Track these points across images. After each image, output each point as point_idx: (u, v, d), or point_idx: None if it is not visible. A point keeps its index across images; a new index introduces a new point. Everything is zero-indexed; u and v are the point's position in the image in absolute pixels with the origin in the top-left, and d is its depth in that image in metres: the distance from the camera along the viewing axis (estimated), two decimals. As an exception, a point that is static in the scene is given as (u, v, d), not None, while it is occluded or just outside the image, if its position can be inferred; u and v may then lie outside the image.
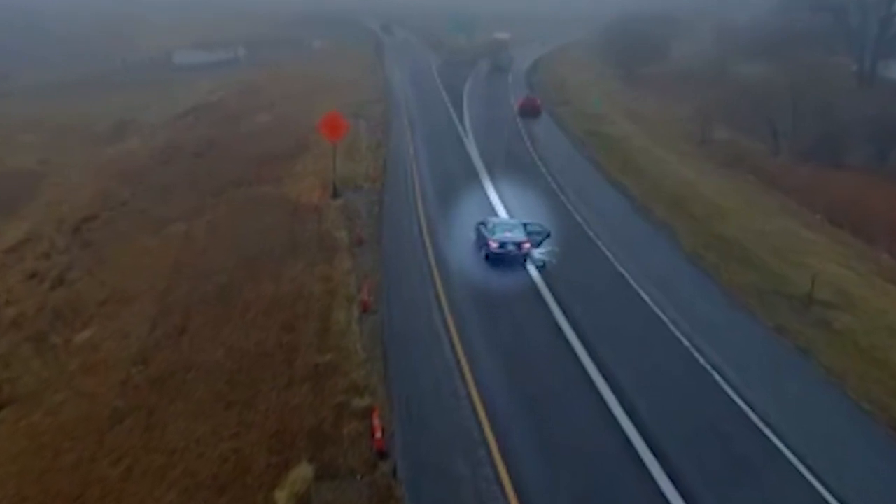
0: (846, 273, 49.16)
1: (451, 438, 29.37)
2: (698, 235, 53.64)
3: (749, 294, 44.46)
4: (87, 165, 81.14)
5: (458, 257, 47.40)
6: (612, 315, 40.84)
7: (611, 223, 55.62)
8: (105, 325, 43.30)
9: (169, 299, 44.29)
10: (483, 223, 48.51)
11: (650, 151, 79.53)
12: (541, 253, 47.54)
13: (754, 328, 40.87)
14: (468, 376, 33.42)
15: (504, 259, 46.06)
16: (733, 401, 33.01)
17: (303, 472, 27.68)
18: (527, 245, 46.28)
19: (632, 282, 44.78)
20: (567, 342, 37.02)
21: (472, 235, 49.51)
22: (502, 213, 55.19)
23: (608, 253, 49.26)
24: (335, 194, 57.66)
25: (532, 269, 45.52)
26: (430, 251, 48.06)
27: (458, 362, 34.60)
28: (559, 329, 38.33)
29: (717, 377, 34.69)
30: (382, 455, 28.11)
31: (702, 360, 36.03)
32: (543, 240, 48.16)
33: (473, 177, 64.26)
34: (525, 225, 48.11)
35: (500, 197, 58.75)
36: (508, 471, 27.60)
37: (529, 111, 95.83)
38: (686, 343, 37.62)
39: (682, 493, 27.01)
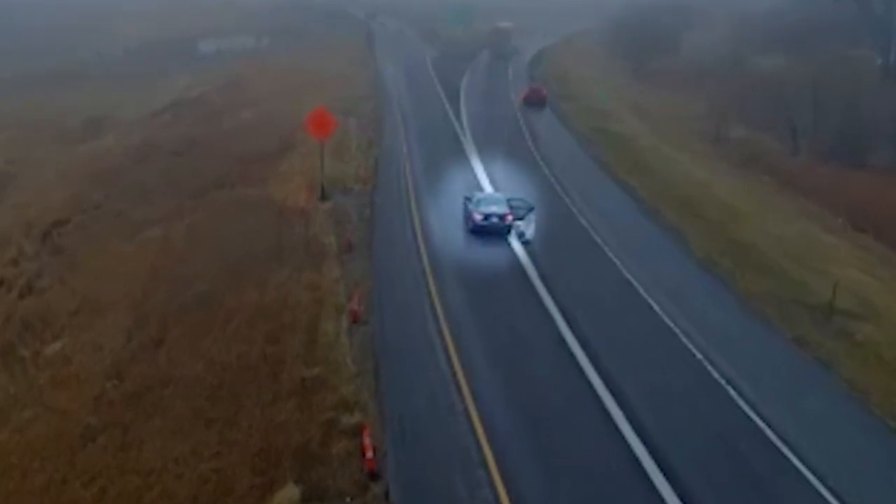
0: (869, 281, 49.24)
1: (447, 458, 29.39)
2: (711, 240, 53.70)
3: (766, 303, 44.49)
4: (58, 165, 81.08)
5: (455, 263, 47.48)
6: (620, 326, 40.87)
7: (618, 227, 55.69)
8: (77, 336, 43.26)
9: (145, 309, 44.26)
10: (468, 198, 54.75)
11: (660, 150, 79.66)
12: (525, 227, 53.05)
13: (771, 339, 40.88)
14: (465, 391, 33.45)
15: (488, 230, 51.90)
16: (749, 417, 33.02)
17: (289, 493, 27.67)
18: (509, 217, 52.44)
19: (640, 290, 44.85)
20: (571, 354, 37.05)
21: (470, 239, 49.72)
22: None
23: (615, 259, 49.34)
24: (323, 196, 57.71)
25: (536, 278, 45.56)
26: (424, 257, 48.11)
27: (455, 376, 34.63)
28: (562, 340, 38.37)
29: (732, 392, 34.71)
30: (374, 476, 28.12)
31: (715, 374, 36.06)
32: (527, 213, 54.07)
33: (472, 178, 64.32)
34: (509, 199, 54.01)
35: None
36: (508, 493, 27.59)
37: (535, 101, 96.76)
38: (699, 355, 37.65)
39: (694, 517, 27.11)
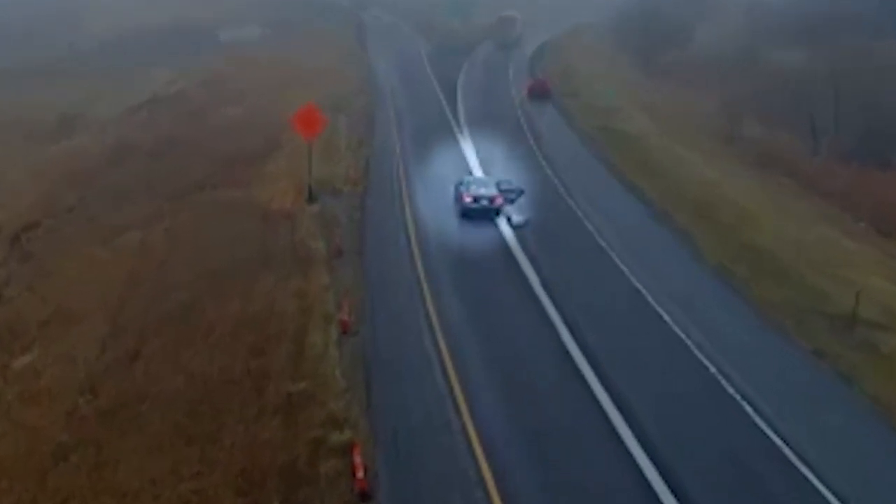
0: (894, 289, 49.23)
1: (443, 478, 29.34)
2: (725, 246, 53.73)
3: (783, 312, 44.50)
4: (29, 165, 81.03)
5: (452, 270, 47.53)
6: (628, 337, 40.91)
7: (625, 232, 55.75)
8: (48, 348, 43.27)
9: (122, 319, 44.28)
10: (460, 182, 59.48)
11: (670, 150, 79.69)
12: (516, 212, 57.09)
13: (789, 351, 40.92)
14: (462, 406, 33.43)
15: (478, 213, 56.59)
16: (765, 435, 33.00)
17: (274, 516, 27.69)
18: (499, 200, 57.23)
19: (650, 299, 44.88)
20: (576, 367, 37.05)
21: (469, 245, 49.82)
22: (501, 220, 55.45)
23: (623, 266, 49.37)
24: (311, 199, 57.71)
25: (539, 287, 45.58)
26: (418, 263, 48.16)
27: (452, 390, 34.61)
28: (567, 353, 38.36)
29: (748, 408, 34.71)
30: (365, 497, 28.09)
31: (730, 389, 36.06)
32: (517, 197, 58.91)
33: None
34: (498, 183, 59.34)
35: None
36: (508, 515, 27.65)
37: (539, 94, 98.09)
38: (712, 369, 37.66)
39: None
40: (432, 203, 59.11)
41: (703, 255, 52.70)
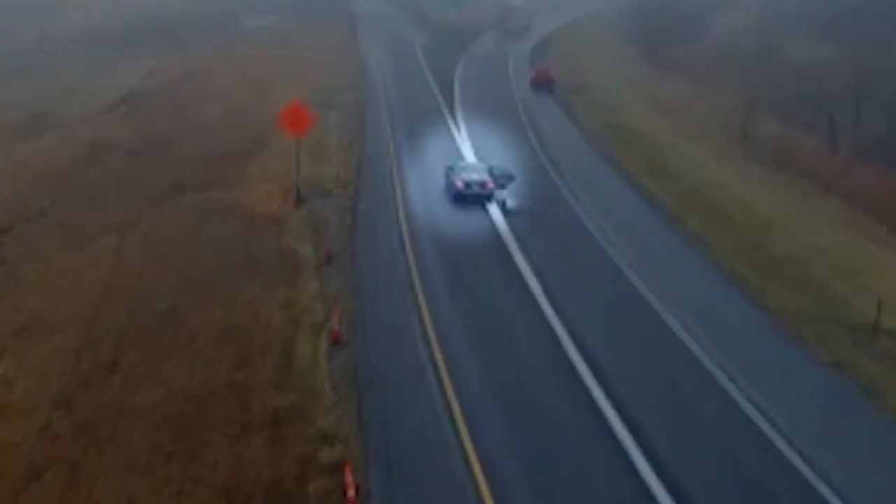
0: (919, 297, 49.29)
1: (439, 497, 29.42)
2: (740, 251, 53.81)
3: (801, 322, 44.50)
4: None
5: (450, 277, 47.63)
6: (635, 349, 40.93)
7: (633, 236, 55.83)
8: (19, 360, 43.22)
9: (98, 329, 44.27)
10: (451, 167, 63.49)
11: (681, 149, 79.86)
12: (508, 197, 60.54)
13: (808, 364, 40.88)
14: (460, 422, 33.47)
15: (470, 198, 60.07)
16: (783, 454, 32.98)
17: (260, 538, 27.76)
18: (490, 185, 60.78)
19: (659, 308, 44.98)
20: (581, 382, 37.09)
21: (467, 250, 49.92)
22: (501, 224, 55.57)
23: (630, 273, 49.47)
24: (299, 201, 57.81)
25: (541, 296, 45.66)
26: (413, 270, 48.25)
27: (449, 405, 34.67)
28: (572, 367, 38.42)
29: (764, 424, 34.71)
30: (356, 518, 28.19)
31: (744, 403, 36.12)
32: (508, 182, 62.38)
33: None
34: (490, 168, 63.21)
35: (500, 206, 59.12)
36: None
37: (543, 83, 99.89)
38: (724, 382, 37.75)
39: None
40: (428, 205, 59.26)
41: (716, 261, 52.74)
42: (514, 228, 55.21)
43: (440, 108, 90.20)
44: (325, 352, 38.68)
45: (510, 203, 59.95)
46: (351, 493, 28.55)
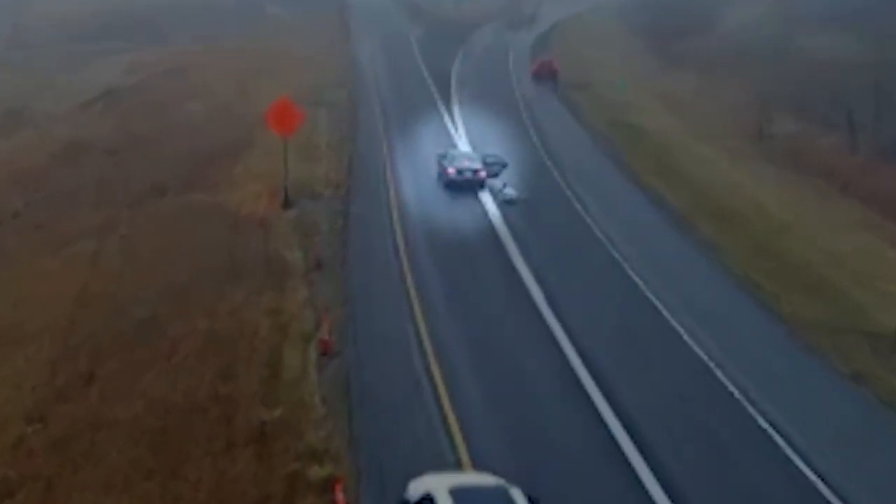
0: (943, 305, 49.31)
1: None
2: (754, 257, 53.86)
3: (818, 332, 44.53)
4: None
5: (447, 283, 47.63)
6: (643, 358, 40.97)
7: (641, 240, 55.90)
8: (-9, 371, 43.27)
9: (74, 339, 44.21)
10: (443, 155, 66.43)
11: (692, 149, 79.93)
12: (508, 187, 62.85)
13: (825, 376, 40.94)
14: (458, 438, 33.45)
15: (462, 186, 62.87)
16: (801, 471, 32.96)
17: (245, 560, 27.73)
18: (482, 173, 63.72)
19: (668, 316, 45.00)
20: (586, 395, 37.11)
21: (466, 255, 50.00)
22: (501, 227, 55.61)
23: (638, 279, 49.51)
24: (287, 204, 57.80)
25: (543, 304, 45.67)
26: (408, 276, 48.25)
27: (446, 420, 34.63)
28: (577, 381, 38.38)
29: (779, 440, 34.74)
30: (348, 539, 28.18)
31: (758, 418, 36.13)
32: (501, 170, 65.85)
33: (465, 182, 64.51)
34: (483, 156, 66.62)
35: (500, 209, 59.10)
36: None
37: (546, 75, 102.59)
38: (737, 395, 37.75)
39: None
40: (424, 208, 59.27)
41: (728, 267, 52.77)
42: (514, 232, 55.25)
43: (436, 104, 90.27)
44: (314, 362, 38.63)
45: (510, 193, 61.57)
46: (342, 512, 28.57)
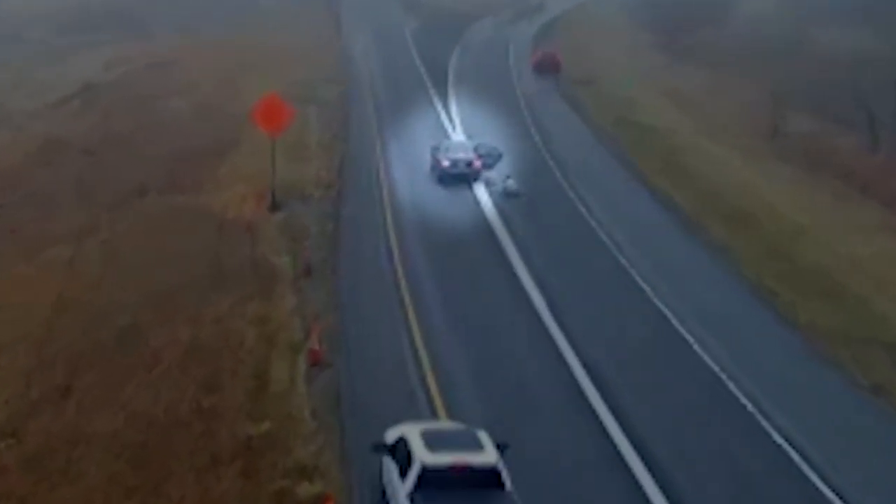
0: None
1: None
2: (768, 262, 53.81)
3: (835, 341, 44.45)
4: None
5: (443, 291, 47.58)
6: (652, 369, 40.91)
7: (648, 245, 55.86)
8: (-38, 384, 43.17)
9: (50, 349, 44.14)
10: (437, 146, 68.30)
11: (702, 148, 79.92)
12: (509, 178, 64.55)
13: (843, 388, 40.82)
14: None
15: (456, 177, 64.66)
16: (816, 487, 32.88)
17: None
18: (477, 164, 65.49)
19: (678, 325, 44.94)
20: (591, 408, 37.05)
21: (463, 260, 49.96)
22: (501, 230, 55.52)
23: (646, 286, 49.45)
24: (274, 206, 57.77)
25: (544, 310, 45.61)
26: (402, 283, 48.20)
27: (443, 434, 34.58)
28: (581, 393, 38.32)
29: (795, 455, 34.64)
30: (338, 560, 28.10)
31: (772, 432, 36.06)
32: (496, 162, 68.16)
33: (463, 183, 64.41)
34: (477, 146, 68.77)
35: (500, 211, 59.05)
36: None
37: (548, 68, 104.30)
38: (751, 408, 37.68)
39: None
40: (419, 211, 59.26)
41: (741, 272, 52.72)
42: (515, 235, 55.24)
43: (433, 102, 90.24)
44: (303, 374, 38.59)
45: (513, 185, 62.77)
46: (332, 531, 28.52)
